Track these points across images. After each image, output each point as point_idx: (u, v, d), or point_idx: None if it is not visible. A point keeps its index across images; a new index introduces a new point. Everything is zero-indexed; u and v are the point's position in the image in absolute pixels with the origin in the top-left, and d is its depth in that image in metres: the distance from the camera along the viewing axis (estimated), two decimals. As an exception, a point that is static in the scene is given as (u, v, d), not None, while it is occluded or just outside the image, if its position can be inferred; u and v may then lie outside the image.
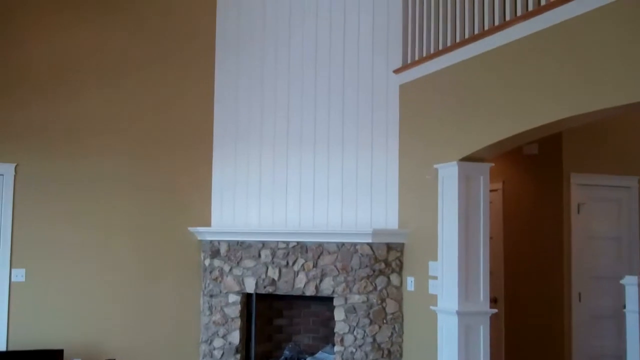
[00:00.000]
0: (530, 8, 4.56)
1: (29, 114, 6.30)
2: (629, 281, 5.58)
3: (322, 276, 6.15)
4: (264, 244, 6.44)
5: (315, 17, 6.60)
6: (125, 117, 6.66)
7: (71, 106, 6.45)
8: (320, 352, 6.57)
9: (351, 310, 6.02)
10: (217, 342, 6.60)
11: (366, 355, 5.93)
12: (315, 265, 6.19)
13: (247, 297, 6.61)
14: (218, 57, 7.06)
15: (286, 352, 6.66)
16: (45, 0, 6.45)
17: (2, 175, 6.19)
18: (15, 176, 6.23)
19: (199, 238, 6.83)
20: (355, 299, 6.00)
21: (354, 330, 5.99)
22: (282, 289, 6.35)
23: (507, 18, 4.80)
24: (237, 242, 6.56)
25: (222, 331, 6.58)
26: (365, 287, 5.98)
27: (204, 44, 7.03)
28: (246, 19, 6.96)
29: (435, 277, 5.50)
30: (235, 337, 6.54)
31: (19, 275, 6.20)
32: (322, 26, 6.56)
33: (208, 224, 6.89)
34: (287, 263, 6.32)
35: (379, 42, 6.29)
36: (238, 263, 6.54)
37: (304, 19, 6.65)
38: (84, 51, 6.55)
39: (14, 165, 6.22)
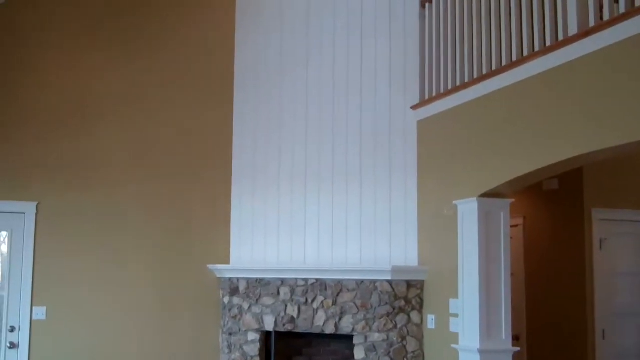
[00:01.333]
0: (548, 44, 4.57)
1: (48, 150, 6.39)
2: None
3: (342, 314, 6.10)
4: (282, 281, 6.41)
5: (332, 53, 6.65)
6: (144, 152, 6.75)
7: (90, 142, 6.56)
8: (340, 390, 6.50)
9: (371, 348, 5.95)
10: (237, 381, 6.56)
11: (387, 394, 5.86)
12: (334, 303, 6.14)
13: (266, 335, 6.56)
14: (236, 93, 7.14)
15: (306, 391, 6.60)
16: (65, 36, 6.57)
17: (24, 213, 6.25)
18: (36, 214, 6.28)
19: (218, 275, 6.81)
20: (375, 337, 5.94)
21: (374, 368, 5.93)
22: (301, 326, 6.30)
23: (524, 54, 4.80)
24: (256, 279, 6.54)
25: (241, 370, 6.55)
26: (385, 325, 5.92)
27: (223, 79, 7.11)
28: (264, 55, 7.03)
29: (456, 315, 5.44)
30: (254, 376, 6.50)
31: (40, 313, 6.23)
32: (339, 62, 6.61)
33: (227, 261, 6.89)
34: (306, 300, 6.28)
35: (397, 78, 6.31)
36: (257, 301, 6.51)
37: (321, 55, 6.70)
38: (102, 86, 6.66)
39: (35, 203, 6.27)
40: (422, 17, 6.15)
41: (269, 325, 6.43)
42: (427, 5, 6.11)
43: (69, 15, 6.59)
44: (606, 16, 4.10)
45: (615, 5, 4.41)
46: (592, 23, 4.20)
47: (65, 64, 6.55)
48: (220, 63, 7.12)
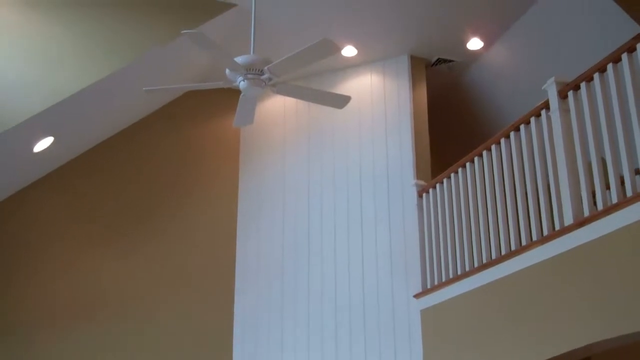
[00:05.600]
0: (545, 233, 4.64)
1: (43, 354, 6.27)
2: None
3: None
4: None
5: (333, 244, 6.72)
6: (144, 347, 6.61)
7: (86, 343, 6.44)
8: None
9: None
10: None
11: None
12: None
13: None
14: (237, 295, 7.10)
15: None
16: (59, 234, 6.67)
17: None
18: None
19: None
20: None
21: None
22: None
23: (523, 243, 4.86)
24: None
25: None
26: None
27: (223, 279, 7.10)
28: (266, 247, 7.10)
29: None
30: None
31: None
32: (340, 251, 6.67)
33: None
34: None
35: (398, 267, 6.34)
36: None
37: (322, 245, 6.77)
38: (107, 287, 6.65)
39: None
40: (419, 207, 6.30)
41: None
42: (424, 195, 6.27)
43: (63, 213, 6.72)
44: (600, 206, 4.19)
45: (608, 194, 4.54)
46: (586, 213, 4.29)
47: (61, 262, 6.58)
48: (222, 264, 7.18)
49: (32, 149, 6.00)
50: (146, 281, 6.80)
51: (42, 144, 6.04)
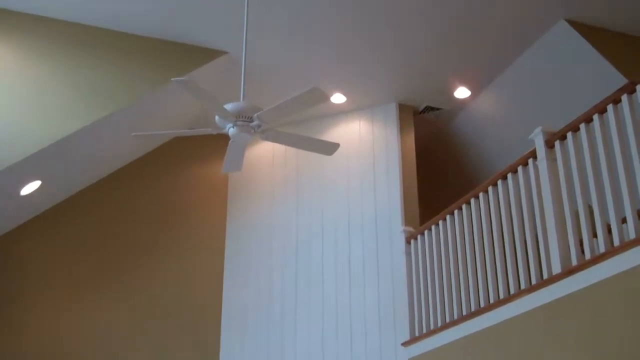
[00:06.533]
0: (534, 282, 4.63)
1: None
2: None
3: None
4: None
5: (321, 293, 6.69)
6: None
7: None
8: None
9: None
10: None
11: None
12: None
13: None
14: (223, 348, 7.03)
15: None
16: (41, 280, 6.62)
17: None
18: None
19: None
20: None
21: None
22: None
23: (512, 291, 4.85)
24: None
25: None
26: None
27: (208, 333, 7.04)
28: (252, 302, 7.04)
29: None
30: None
31: None
32: (328, 301, 6.63)
33: None
34: None
35: (386, 314, 6.31)
36: None
37: (310, 294, 6.73)
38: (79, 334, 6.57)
39: None
40: (408, 253, 6.29)
41: None
42: (412, 241, 6.27)
43: (49, 257, 6.66)
44: (587, 255, 4.20)
45: (595, 242, 4.56)
46: (574, 262, 4.30)
47: (45, 306, 6.50)
48: (208, 311, 7.11)
49: (19, 192, 5.98)
50: (132, 327, 6.72)
51: (30, 187, 6.02)
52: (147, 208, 7.18)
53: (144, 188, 7.23)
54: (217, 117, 4.50)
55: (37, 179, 5.99)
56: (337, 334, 6.47)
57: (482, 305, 5.16)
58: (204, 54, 6.18)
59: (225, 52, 6.26)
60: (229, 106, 4.44)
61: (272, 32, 6.08)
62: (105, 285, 6.76)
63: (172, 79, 4.15)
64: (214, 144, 7.49)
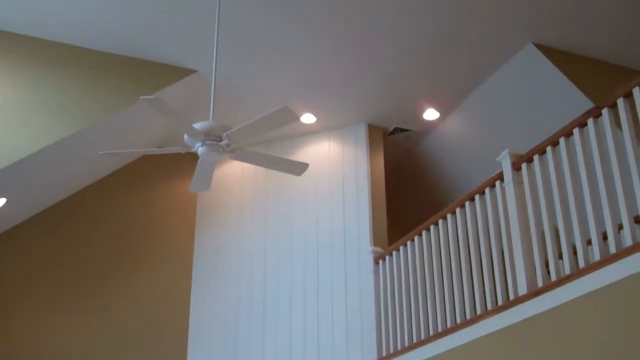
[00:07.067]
0: (500, 303, 4.66)
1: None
2: None
3: None
4: None
5: (289, 311, 6.66)
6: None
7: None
8: None
9: None
10: None
11: None
12: None
13: None
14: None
15: None
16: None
17: None
18: None
19: None
20: None
21: None
22: None
23: (478, 312, 4.87)
24: None
25: None
26: None
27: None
28: (220, 327, 6.99)
29: None
30: None
31: None
32: (295, 319, 6.60)
33: None
34: None
35: (354, 334, 6.29)
36: None
37: (277, 311, 6.70)
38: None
39: None
40: (376, 273, 6.29)
41: None
42: (380, 262, 6.28)
43: (14, 274, 6.57)
44: (553, 276, 4.24)
45: (561, 264, 4.60)
46: (540, 283, 4.33)
47: (11, 323, 6.40)
48: (175, 328, 7.03)
49: (-17, 210, 5.90)
50: (98, 343, 6.64)
51: (-6, 205, 5.95)
52: (115, 225, 7.11)
53: (112, 206, 7.17)
54: (185, 136, 4.49)
55: (2, 197, 5.90)
56: (305, 353, 6.44)
57: (449, 325, 5.18)
58: (173, 73, 6.17)
59: (194, 71, 6.25)
60: (198, 125, 4.42)
61: (243, 51, 6.09)
62: (72, 302, 6.66)
63: (141, 97, 4.12)
64: (183, 163, 7.46)
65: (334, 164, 7.14)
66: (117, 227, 7.12)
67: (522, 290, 4.44)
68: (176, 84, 6.19)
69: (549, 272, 4.45)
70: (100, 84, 5.91)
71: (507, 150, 4.79)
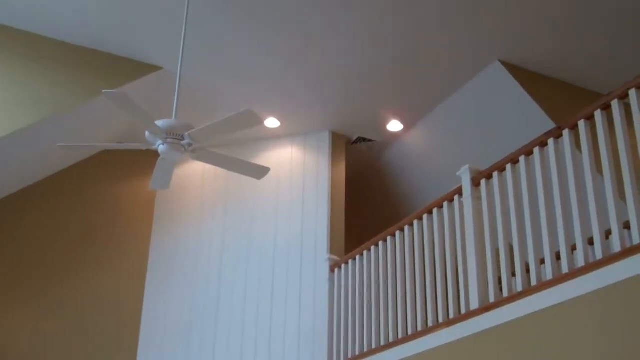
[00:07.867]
0: (452, 316, 4.69)
1: None
2: None
3: None
4: None
5: (242, 316, 6.63)
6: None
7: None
8: None
9: None
10: None
11: None
12: None
13: None
14: None
15: None
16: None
17: None
18: None
19: None
20: None
21: None
22: None
23: (430, 324, 4.90)
24: None
25: None
26: None
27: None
28: (173, 319, 6.92)
29: None
30: None
31: None
32: (248, 324, 6.57)
33: None
34: None
35: (305, 341, 6.28)
36: None
37: (230, 315, 6.66)
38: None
39: None
40: (331, 281, 6.29)
41: None
42: (336, 270, 6.28)
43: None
44: (505, 293, 4.28)
45: (513, 281, 4.65)
46: (492, 298, 4.37)
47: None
48: (126, 326, 6.94)
49: None
50: (48, 339, 6.51)
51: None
52: (70, 221, 6.99)
53: (68, 200, 7.05)
54: (147, 133, 4.44)
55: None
56: (256, 357, 6.40)
57: (400, 335, 5.19)
58: (138, 68, 6.10)
59: (160, 68, 6.20)
60: (160, 122, 4.38)
61: (210, 52, 6.06)
62: (24, 297, 6.53)
63: (103, 91, 4.07)
64: (144, 160, 7.37)
65: (296, 169, 7.14)
66: (73, 222, 7.00)
67: (474, 304, 4.47)
68: (140, 80, 6.12)
69: (501, 289, 4.50)
70: (62, 76, 5.81)
71: (467, 166, 4.84)
